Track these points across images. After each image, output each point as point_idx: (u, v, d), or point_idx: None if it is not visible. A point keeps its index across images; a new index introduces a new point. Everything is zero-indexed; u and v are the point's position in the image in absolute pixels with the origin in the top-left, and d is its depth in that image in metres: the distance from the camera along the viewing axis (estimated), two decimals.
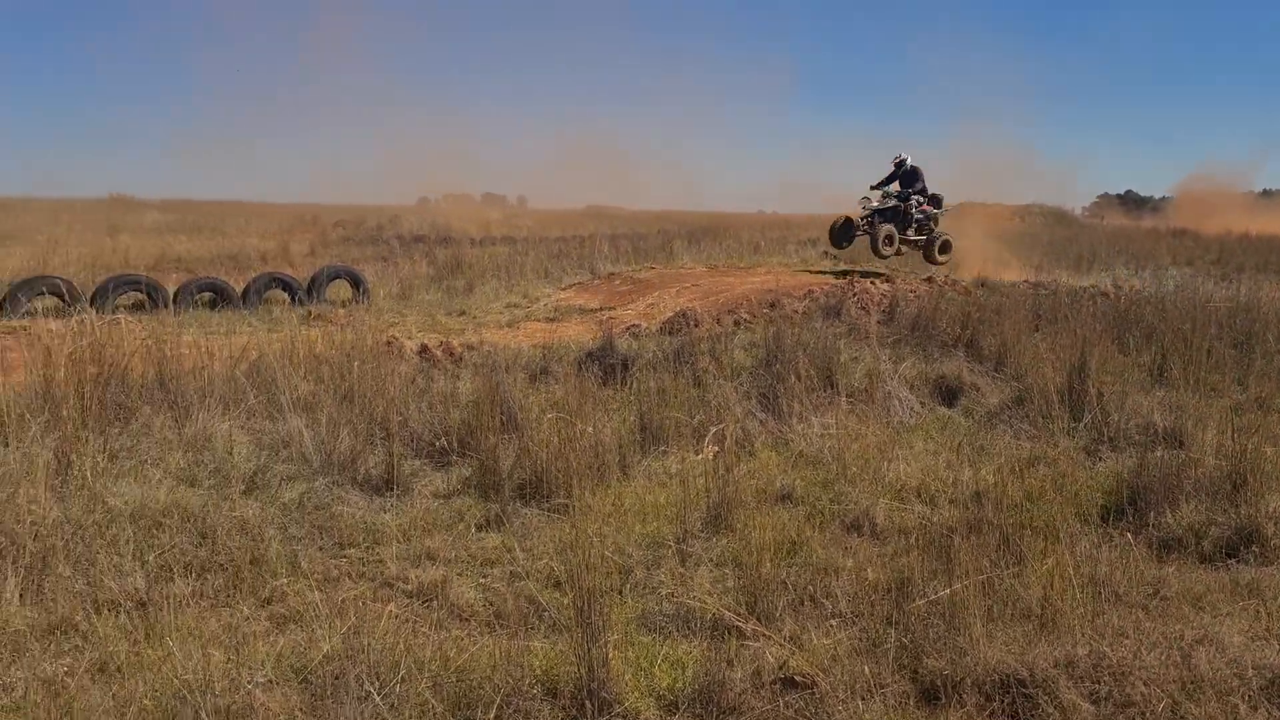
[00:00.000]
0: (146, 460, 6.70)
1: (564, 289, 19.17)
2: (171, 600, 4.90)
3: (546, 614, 4.94)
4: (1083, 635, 4.56)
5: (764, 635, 4.50)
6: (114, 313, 12.03)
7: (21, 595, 4.85)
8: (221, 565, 5.39)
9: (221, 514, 5.84)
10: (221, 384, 8.05)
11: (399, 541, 5.92)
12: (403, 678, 4.01)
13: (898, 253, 19.18)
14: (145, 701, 3.83)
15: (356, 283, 17.23)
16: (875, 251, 18.76)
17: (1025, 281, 18.18)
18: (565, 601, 4.88)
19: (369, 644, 4.12)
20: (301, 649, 4.44)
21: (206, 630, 4.65)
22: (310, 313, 14.49)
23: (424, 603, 5.16)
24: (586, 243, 27.37)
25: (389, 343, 10.66)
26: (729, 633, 4.61)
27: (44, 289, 14.54)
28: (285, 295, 16.29)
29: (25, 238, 26.56)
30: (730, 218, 50.53)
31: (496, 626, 4.84)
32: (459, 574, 5.51)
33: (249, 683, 3.87)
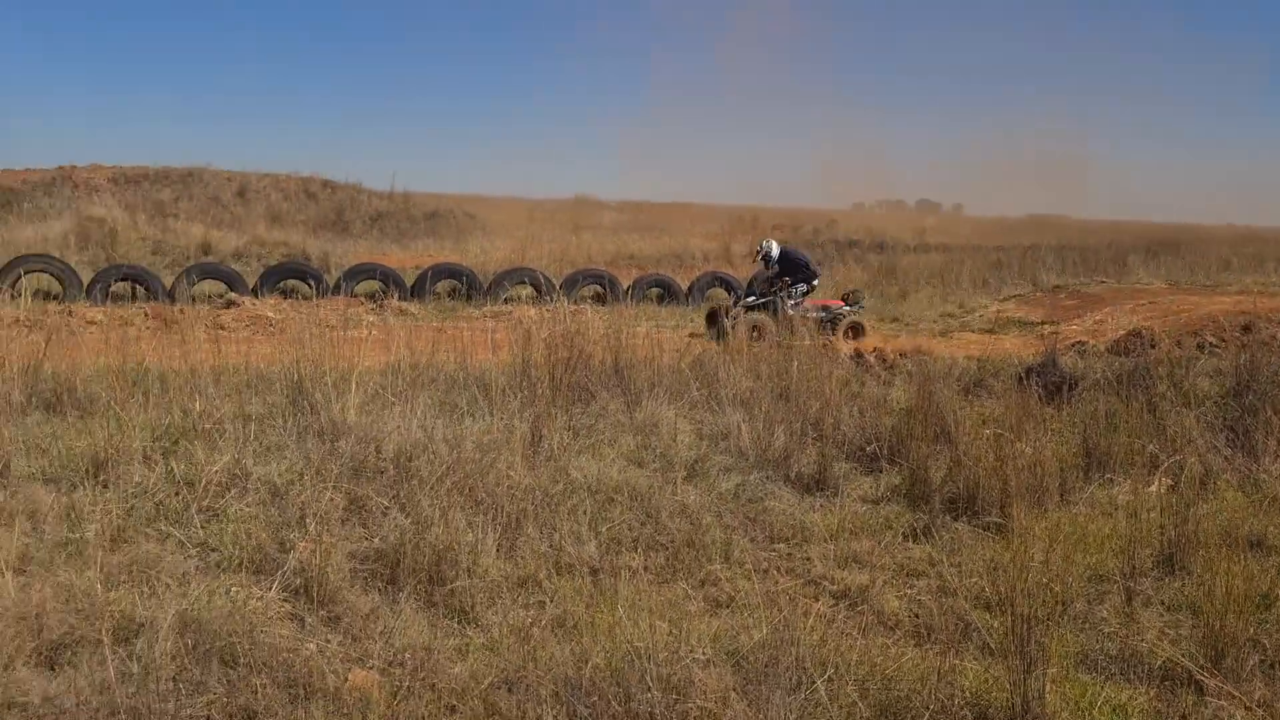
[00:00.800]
0: (602, 440, 7.36)
1: (1002, 300, 18.41)
2: (620, 571, 5.37)
3: (975, 634, 4.79)
4: None
5: (1230, 695, 4.06)
6: (578, 302, 13.34)
7: (498, 549, 5.50)
8: (663, 544, 5.79)
9: (664, 496, 6.27)
10: (669, 375, 8.65)
11: (826, 542, 6.02)
12: (829, 677, 4.08)
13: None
14: (598, 659, 4.20)
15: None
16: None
17: None
18: (996, 625, 4.71)
19: (798, 638, 4.23)
20: (733, 633, 4.65)
21: (650, 603, 5.02)
22: None
23: (849, 606, 5.22)
24: (1028, 253, 26.05)
25: (824, 345, 10.85)
26: (1183, 685, 4.22)
27: (523, 279, 16.55)
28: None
29: (506, 233, 30.23)
30: (1191, 230, 45.81)
31: (924, 640, 4.78)
32: (885, 581, 5.50)
33: (688, 657, 4.13)
